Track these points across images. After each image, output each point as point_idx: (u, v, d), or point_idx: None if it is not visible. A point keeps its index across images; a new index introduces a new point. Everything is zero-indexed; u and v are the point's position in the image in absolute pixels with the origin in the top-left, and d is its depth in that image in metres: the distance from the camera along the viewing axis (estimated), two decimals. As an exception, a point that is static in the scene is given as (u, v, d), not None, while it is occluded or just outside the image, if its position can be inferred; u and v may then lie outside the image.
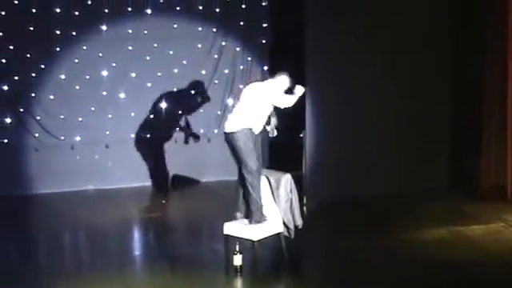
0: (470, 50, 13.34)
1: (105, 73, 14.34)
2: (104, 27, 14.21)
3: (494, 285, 9.62)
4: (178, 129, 14.84)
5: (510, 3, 12.62)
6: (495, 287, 9.58)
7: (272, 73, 14.75)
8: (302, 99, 13.03)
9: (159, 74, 14.57)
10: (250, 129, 9.74)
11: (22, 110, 14.02)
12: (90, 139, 14.40)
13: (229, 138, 9.79)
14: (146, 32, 14.39)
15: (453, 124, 13.70)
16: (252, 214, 9.74)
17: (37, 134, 14.12)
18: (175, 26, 14.55)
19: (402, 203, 12.54)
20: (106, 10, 14.16)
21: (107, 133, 14.47)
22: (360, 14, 12.97)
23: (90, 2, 14.01)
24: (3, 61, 13.80)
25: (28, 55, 13.90)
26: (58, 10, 13.93)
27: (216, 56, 14.83)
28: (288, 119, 13.90)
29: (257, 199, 9.69)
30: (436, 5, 13.41)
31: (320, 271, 10.39)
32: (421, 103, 13.31)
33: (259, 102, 9.72)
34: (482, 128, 13.30)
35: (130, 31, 14.35)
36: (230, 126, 9.71)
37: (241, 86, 14.89)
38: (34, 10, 13.82)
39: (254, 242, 9.80)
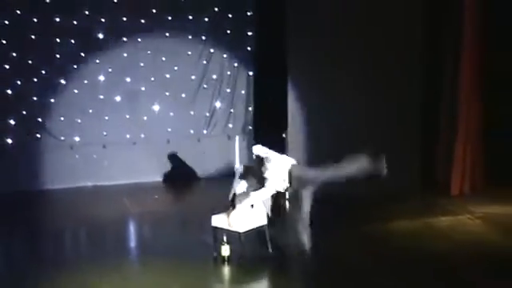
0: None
1: (101, 78, 14.26)
2: (101, 35, 14.13)
3: (460, 272, 9.69)
4: (169, 130, 14.76)
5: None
6: (462, 274, 9.65)
7: (257, 77, 14.89)
8: (284, 101, 13.16)
9: (152, 78, 14.52)
10: None
11: (24, 112, 13.93)
12: (88, 140, 14.33)
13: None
14: (139, 40, 14.33)
15: (423, 127, 13.72)
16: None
17: (38, 135, 14.03)
18: (167, 34, 14.50)
19: (377, 199, 12.52)
20: (103, 20, 14.08)
21: (104, 134, 14.41)
22: (339, 17, 12.97)
23: (87, 13, 13.92)
24: (7, 67, 13.71)
25: (30, 61, 13.81)
26: (57, 20, 13.85)
27: (205, 62, 14.79)
28: (271, 120, 14.03)
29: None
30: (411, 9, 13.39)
31: (301, 261, 10.42)
32: (394, 110, 13.30)
33: None
34: (442, 131, 13.48)
35: (125, 39, 14.28)
36: None
37: (228, 90, 14.94)
38: (35, 20, 13.74)
39: (240, 233, 9.82)
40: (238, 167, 10.57)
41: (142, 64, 14.42)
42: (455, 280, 9.34)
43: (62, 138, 14.22)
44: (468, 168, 13.20)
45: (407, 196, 12.71)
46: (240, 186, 10.08)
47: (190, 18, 14.61)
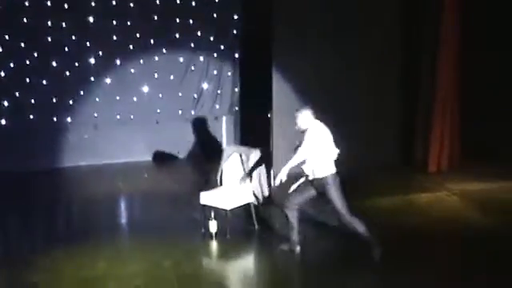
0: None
1: (92, 60, 14.41)
2: (91, 19, 14.27)
3: (437, 245, 9.98)
4: (158, 111, 14.94)
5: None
6: (439, 247, 9.94)
7: (243, 60, 15.05)
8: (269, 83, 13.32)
9: (141, 61, 14.67)
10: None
11: (17, 94, 14.07)
12: (79, 120, 14.50)
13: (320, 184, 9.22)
14: (129, 23, 14.48)
15: (404, 109, 14.01)
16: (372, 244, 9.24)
17: (31, 116, 14.18)
18: (155, 18, 14.64)
19: (360, 176, 12.72)
20: (93, 4, 14.23)
21: (95, 115, 14.58)
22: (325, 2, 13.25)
23: (78, -3, 14.07)
24: (0, 50, 13.83)
25: (22, 44, 13.93)
26: (49, 4, 13.98)
27: (192, 45, 14.94)
28: (257, 101, 14.19)
29: (364, 233, 9.20)
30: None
31: (286, 235, 10.64)
32: (376, 95, 13.54)
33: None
34: (420, 111, 13.76)
35: (115, 23, 14.42)
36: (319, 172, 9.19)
37: (215, 72, 15.11)
38: (27, 4, 13.85)
39: (227, 210, 10.10)
40: (225, 146, 10.76)
41: (131, 47, 14.56)
42: (434, 255, 9.62)
43: (54, 119, 14.36)
44: (445, 146, 13.47)
45: (386, 174, 12.90)
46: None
47: (178, 2, 14.77)
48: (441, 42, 13.23)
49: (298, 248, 9.48)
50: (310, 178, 9.20)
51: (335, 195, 9.12)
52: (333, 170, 9.12)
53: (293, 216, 9.35)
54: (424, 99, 13.68)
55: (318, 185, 9.18)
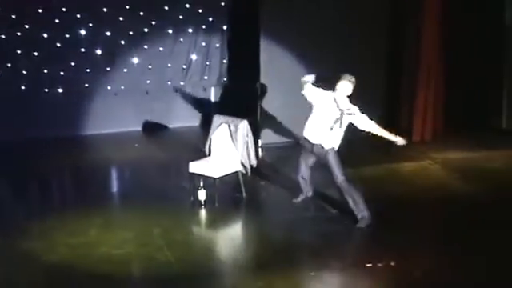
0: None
1: (83, 32, 14.41)
2: (82, -9, 14.31)
3: (423, 214, 10.22)
4: (148, 81, 15.03)
5: None
6: (424, 216, 10.17)
7: (230, 31, 15.10)
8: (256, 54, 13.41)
9: (131, 33, 14.68)
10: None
11: (9, 65, 14.08)
12: (70, 91, 14.51)
13: (321, 152, 9.61)
14: (119, -5, 14.53)
15: (389, 78, 14.18)
16: (360, 214, 9.49)
17: (23, 87, 14.22)
18: (145, -11, 14.70)
19: (344, 145, 12.82)
20: (84, -23, 14.26)
21: (86, 85, 14.59)
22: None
23: (68, -31, 14.07)
24: (-10, 21, 13.88)
25: (13, 16, 13.90)
26: (39, -24, 14.00)
27: (181, 17, 14.92)
28: (245, 73, 14.29)
29: (356, 200, 9.49)
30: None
31: (272, 202, 10.88)
32: (362, 63, 13.60)
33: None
34: (404, 80, 13.93)
35: (105, -5, 14.48)
36: (324, 142, 9.56)
37: (203, 44, 15.17)
38: (18, -24, 13.86)
39: (215, 178, 10.26)
40: (214, 117, 10.87)
41: (120, 19, 14.57)
42: (416, 222, 9.92)
43: (46, 90, 14.39)
44: (429, 115, 13.63)
45: (369, 143, 13.02)
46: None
47: (167, -26, 14.82)
48: (424, 10, 13.36)
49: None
50: (312, 143, 9.63)
51: (334, 161, 9.38)
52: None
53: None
54: (408, 68, 13.82)
55: (319, 152, 9.40)
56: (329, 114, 9.54)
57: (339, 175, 9.47)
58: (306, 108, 9.96)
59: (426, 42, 13.44)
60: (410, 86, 13.79)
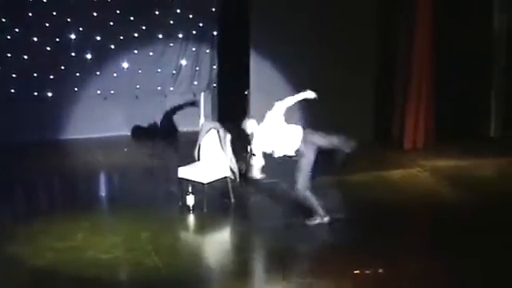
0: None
1: (73, 36, 14.36)
2: (72, -5, 14.25)
3: (411, 220, 10.19)
4: (138, 86, 14.96)
5: None
6: (412, 223, 10.13)
7: (220, 37, 15.05)
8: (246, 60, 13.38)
9: (121, 37, 14.64)
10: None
11: (-1, 68, 14.08)
12: (60, 95, 14.47)
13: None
14: (109, 0, 14.42)
15: (376, 87, 14.11)
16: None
17: (12, 90, 14.14)
18: (136, -5, 14.65)
19: (333, 151, 12.83)
20: (74, -19, 14.19)
21: (75, 89, 14.55)
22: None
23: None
24: (-19, 24, 13.80)
25: (3, 19, 13.86)
26: (30, -21, 13.94)
27: (171, 22, 14.89)
28: (234, 78, 14.27)
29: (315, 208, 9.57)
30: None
31: (260, 207, 10.80)
32: (351, 73, 13.62)
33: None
34: (396, 91, 13.82)
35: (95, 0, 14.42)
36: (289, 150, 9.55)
37: (193, 49, 15.12)
38: (8, -20, 13.79)
39: (204, 184, 10.20)
40: (203, 122, 10.83)
41: (111, 23, 14.52)
42: (407, 227, 9.89)
43: (35, 94, 14.33)
44: (421, 122, 13.53)
45: (360, 149, 13.01)
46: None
47: (156, -22, 14.77)
48: (416, 12, 13.32)
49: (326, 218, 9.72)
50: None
51: (301, 167, 9.35)
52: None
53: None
54: (400, 72, 13.73)
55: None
56: (278, 125, 9.58)
57: (299, 183, 9.43)
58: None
59: (418, 45, 13.32)
60: (401, 89, 13.68)
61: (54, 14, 14.12)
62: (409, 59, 13.47)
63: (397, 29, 13.73)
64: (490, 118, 14.18)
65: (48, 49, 14.23)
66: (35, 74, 14.23)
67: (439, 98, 13.78)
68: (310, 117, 13.26)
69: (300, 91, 9.92)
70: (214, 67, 15.37)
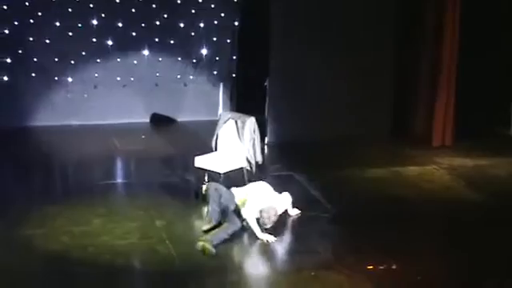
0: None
1: (95, 22, 14.33)
2: (95, -19, 14.23)
3: (426, 217, 10.09)
4: (158, 74, 14.93)
5: None
6: (427, 219, 10.04)
7: (241, 27, 15.01)
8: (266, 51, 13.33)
9: (143, 24, 14.59)
10: None
11: (20, 51, 14.00)
12: (80, 80, 14.46)
13: None
14: (132, -13, 14.43)
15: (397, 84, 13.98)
16: None
17: (33, 74, 14.14)
18: (158, -17, 14.61)
19: (349, 146, 12.83)
20: (98, -34, 14.18)
21: (96, 75, 14.51)
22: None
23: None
24: (5, 7, 13.72)
25: (27, 3, 13.86)
26: (54, -36, 13.92)
27: (193, 11, 14.84)
28: (254, 70, 14.23)
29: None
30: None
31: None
32: (369, 65, 13.54)
33: None
34: (418, 87, 13.68)
35: (118, -14, 14.39)
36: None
37: (214, 39, 15.07)
38: (32, -36, 13.79)
39: (220, 174, 10.16)
40: (222, 112, 10.80)
41: (133, 10, 14.49)
42: (421, 225, 9.78)
43: (56, 78, 14.32)
44: (448, 119, 13.36)
45: (376, 144, 13.00)
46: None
47: (180, -30, 14.73)
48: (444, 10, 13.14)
49: None
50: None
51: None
52: None
53: None
54: (430, 70, 13.49)
55: None
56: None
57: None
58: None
59: (446, 44, 13.12)
60: (428, 89, 13.48)
61: (77, 0, 14.14)
62: (439, 53, 13.23)
63: (423, 26, 13.52)
64: (509, 117, 14.08)
65: (70, 34, 14.19)
66: (56, 59, 14.20)
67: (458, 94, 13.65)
68: (328, 111, 13.26)
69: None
70: (234, 57, 15.30)
